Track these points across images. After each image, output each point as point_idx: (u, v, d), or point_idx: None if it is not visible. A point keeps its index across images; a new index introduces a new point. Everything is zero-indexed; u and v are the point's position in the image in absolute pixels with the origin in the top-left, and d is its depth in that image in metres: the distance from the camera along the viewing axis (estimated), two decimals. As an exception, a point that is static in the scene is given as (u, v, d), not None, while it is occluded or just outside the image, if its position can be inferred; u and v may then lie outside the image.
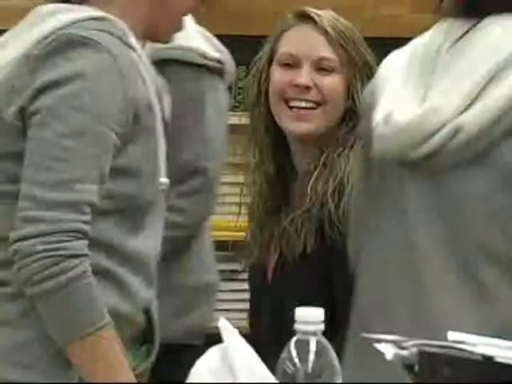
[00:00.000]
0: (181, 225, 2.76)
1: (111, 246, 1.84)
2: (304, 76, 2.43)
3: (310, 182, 2.39)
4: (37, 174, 1.76)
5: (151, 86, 1.90)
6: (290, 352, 1.24)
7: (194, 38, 2.88)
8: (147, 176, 1.87)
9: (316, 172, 2.35)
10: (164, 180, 1.95)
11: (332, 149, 2.39)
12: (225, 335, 1.32)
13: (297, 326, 1.23)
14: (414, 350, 1.27)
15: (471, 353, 1.34)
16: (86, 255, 1.74)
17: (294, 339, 1.24)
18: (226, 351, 1.32)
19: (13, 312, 1.87)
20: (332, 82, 2.47)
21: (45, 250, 1.67)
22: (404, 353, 1.28)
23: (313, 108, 2.45)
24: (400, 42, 2.17)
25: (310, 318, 1.25)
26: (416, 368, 1.31)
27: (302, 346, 1.25)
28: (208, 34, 3.00)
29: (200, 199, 2.78)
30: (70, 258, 1.70)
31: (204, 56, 2.87)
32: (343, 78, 2.48)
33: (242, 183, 2.80)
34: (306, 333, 1.23)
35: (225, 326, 1.34)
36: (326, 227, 2.29)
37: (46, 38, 1.83)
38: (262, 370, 1.36)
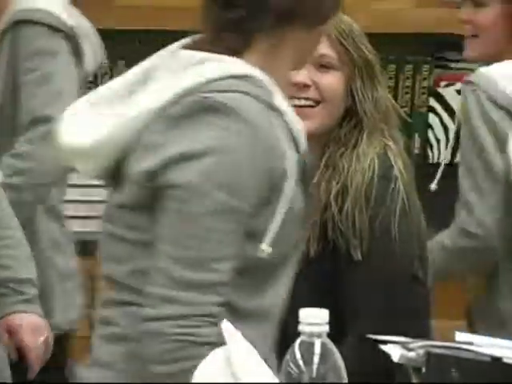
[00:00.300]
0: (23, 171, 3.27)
1: (235, 308, 1.83)
2: (302, 74, 2.46)
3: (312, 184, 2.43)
4: (175, 250, 1.73)
5: (291, 152, 1.80)
6: (294, 354, 1.24)
7: (55, 3, 3.40)
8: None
9: (318, 173, 2.38)
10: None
11: (334, 149, 2.42)
12: (228, 338, 1.33)
13: (301, 328, 1.23)
14: (421, 351, 1.26)
15: (479, 354, 1.33)
16: (214, 343, 1.65)
17: (298, 341, 1.23)
18: (229, 354, 1.34)
19: (117, 353, 1.88)
20: (331, 80, 2.51)
21: (180, 334, 1.68)
22: (411, 354, 1.27)
23: (312, 106, 2.47)
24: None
25: (314, 319, 1.25)
26: (423, 370, 1.30)
27: (307, 348, 1.24)
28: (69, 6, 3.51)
29: (44, 146, 3.07)
30: (200, 345, 1.70)
31: (59, 20, 3.32)
32: (343, 76, 2.51)
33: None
34: (310, 334, 1.23)
35: (227, 328, 1.35)
36: (329, 230, 2.33)
37: (183, 96, 1.74)
38: (265, 373, 1.38)
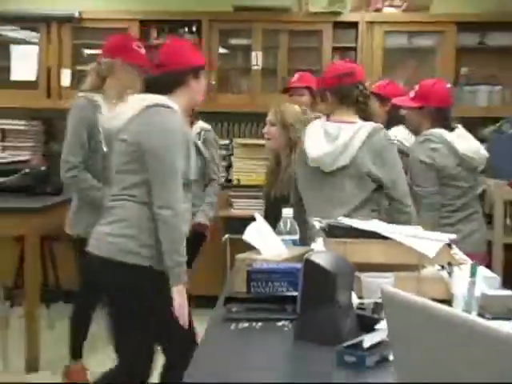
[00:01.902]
0: None
1: None
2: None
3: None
4: None
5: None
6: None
7: None
8: None
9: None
10: None
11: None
12: (258, 218, 2.94)
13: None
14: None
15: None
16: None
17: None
18: (260, 224, 2.91)
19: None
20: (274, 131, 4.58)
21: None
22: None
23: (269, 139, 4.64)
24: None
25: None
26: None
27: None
28: None
29: None
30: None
31: None
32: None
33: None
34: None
35: (257, 216, 2.96)
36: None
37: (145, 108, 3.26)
38: (274, 236, 2.95)
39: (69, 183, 4.40)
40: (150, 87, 3.40)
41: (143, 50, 4.36)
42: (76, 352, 4.87)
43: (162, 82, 3.39)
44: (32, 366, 5.13)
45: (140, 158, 3.23)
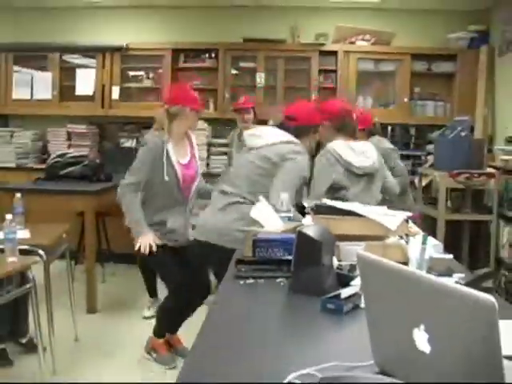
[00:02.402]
0: None
1: None
2: None
3: None
4: None
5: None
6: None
7: None
8: None
9: None
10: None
11: None
12: (261, 200, 2.94)
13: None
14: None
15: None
16: None
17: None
18: (263, 205, 2.91)
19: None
20: None
21: None
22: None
23: None
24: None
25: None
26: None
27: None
28: None
29: None
30: None
31: None
32: None
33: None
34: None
35: (261, 199, 2.96)
36: None
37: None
38: (275, 215, 2.96)
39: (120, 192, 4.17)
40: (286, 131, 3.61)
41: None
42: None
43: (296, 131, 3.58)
44: (91, 308, 5.24)
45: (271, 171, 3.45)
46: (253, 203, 3.19)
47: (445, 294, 1.19)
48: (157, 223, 4.18)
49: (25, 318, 4.21)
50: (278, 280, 2.36)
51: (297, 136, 3.55)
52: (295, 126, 3.58)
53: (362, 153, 3.81)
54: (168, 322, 4.22)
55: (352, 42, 6.96)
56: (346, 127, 3.92)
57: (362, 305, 1.86)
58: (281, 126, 3.63)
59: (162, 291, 4.73)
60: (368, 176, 3.84)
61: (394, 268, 1.35)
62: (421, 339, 1.26)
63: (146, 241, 4.02)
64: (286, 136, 3.55)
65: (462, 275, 2.32)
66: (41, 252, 3.83)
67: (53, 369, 3.86)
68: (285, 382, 1.38)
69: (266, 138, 3.56)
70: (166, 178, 4.07)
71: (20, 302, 4.03)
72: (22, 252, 3.58)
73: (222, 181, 3.91)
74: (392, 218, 2.59)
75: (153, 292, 5.31)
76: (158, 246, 4.04)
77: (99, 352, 4.35)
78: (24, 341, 4.26)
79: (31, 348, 4.11)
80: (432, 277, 1.27)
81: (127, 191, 4.08)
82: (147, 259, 4.17)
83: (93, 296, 5.27)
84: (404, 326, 1.31)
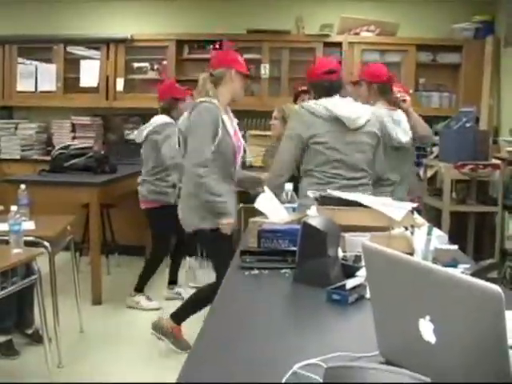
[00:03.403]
0: None
1: None
2: None
3: None
4: None
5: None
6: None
7: None
8: None
9: None
10: None
11: None
12: (266, 190, 2.92)
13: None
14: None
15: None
16: None
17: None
18: (267, 196, 2.90)
19: None
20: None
21: None
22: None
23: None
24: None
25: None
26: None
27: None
28: None
29: None
30: None
31: None
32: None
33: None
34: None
35: (266, 189, 2.95)
36: None
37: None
38: (279, 205, 2.94)
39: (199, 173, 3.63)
40: None
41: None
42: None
43: None
44: (96, 300, 5.26)
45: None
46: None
47: (451, 284, 1.18)
48: None
49: (30, 309, 4.23)
50: (283, 271, 2.35)
51: None
52: None
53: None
54: (195, 311, 4.07)
55: (357, 33, 6.92)
56: (389, 93, 4.14)
57: (367, 295, 1.87)
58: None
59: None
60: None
61: (399, 258, 1.35)
62: (427, 329, 1.26)
63: (231, 222, 3.75)
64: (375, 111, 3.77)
65: (467, 266, 2.31)
66: (46, 243, 3.84)
67: (58, 360, 3.88)
68: (290, 372, 1.38)
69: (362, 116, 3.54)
70: (226, 149, 3.76)
71: (25, 294, 4.04)
72: (27, 243, 3.58)
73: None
74: (397, 209, 2.57)
75: (174, 280, 5.40)
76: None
77: (104, 343, 4.38)
78: (30, 332, 4.28)
79: (37, 339, 4.14)
80: (438, 267, 1.26)
81: (206, 171, 3.62)
82: (207, 246, 4.15)
83: (98, 287, 5.28)
84: (410, 317, 1.30)
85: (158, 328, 4.16)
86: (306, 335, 1.70)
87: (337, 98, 3.49)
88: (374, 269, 1.47)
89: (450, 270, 1.23)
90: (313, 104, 3.47)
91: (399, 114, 4.17)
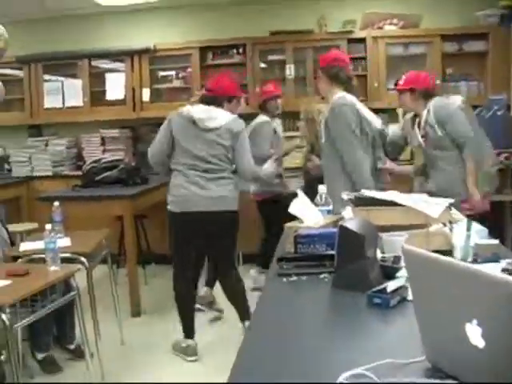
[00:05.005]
0: None
1: None
2: None
3: None
4: None
5: None
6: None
7: None
8: None
9: None
10: None
11: None
12: (299, 195, 2.90)
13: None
14: None
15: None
16: None
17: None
18: (302, 199, 2.87)
19: None
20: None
21: None
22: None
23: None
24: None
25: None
26: None
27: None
28: None
29: None
30: None
31: None
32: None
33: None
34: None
35: (300, 193, 2.92)
36: None
37: None
38: (314, 208, 2.89)
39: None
40: None
41: None
42: None
43: None
44: (135, 311, 5.28)
45: None
46: None
47: (498, 287, 1.14)
48: None
49: (71, 324, 4.27)
50: (322, 276, 2.33)
51: None
52: None
53: None
54: None
55: (380, 28, 6.86)
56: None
57: (410, 297, 1.83)
58: None
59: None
60: None
61: (441, 261, 1.31)
62: (474, 334, 1.22)
63: None
64: None
65: (510, 260, 2.25)
66: (83, 259, 3.86)
67: (101, 373, 3.89)
68: (337, 382, 1.35)
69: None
70: None
71: (65, 309, 4.06)
72: (64, 260, 3.59)
73: None
74: (434, 206, 2.53)
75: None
76: None
77: (145, 354, 4.39)
78: (72, 347, 4.32)
79: (79, 354, 4.17)
80: (483, 269, 1.22)
81: None
82: None
83: (136, 299, 5.30)
84: (455, 321, 1.27)
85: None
86: (348, 342, 1.67)
87: None
88: (416, 273, 1.43)
89: (491, 266, 1.19)
90: None
91: None
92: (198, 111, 4.08)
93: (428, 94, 4.31)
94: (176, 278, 4.29)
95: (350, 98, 3.92)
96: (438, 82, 6.65)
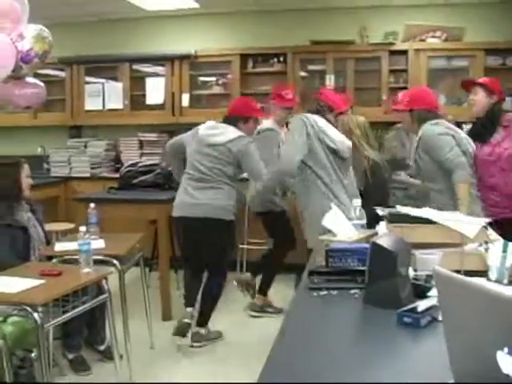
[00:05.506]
0: None
1: None
2: None
3: None
4: None
5: None
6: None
7: None
8: None
9: None
10: None
11: None
12: (333, 208, 2.88)
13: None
14: None
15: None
16: None
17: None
18: (336, 212, 2.86)
19: None
20: None
21: None
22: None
23: None
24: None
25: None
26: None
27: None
28: None
29: None
30: None
31: None
32: None
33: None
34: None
35: (333, 206, 2.90)
36: None
37: None
38: (347, 222, 2.89)
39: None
40: None
41: None
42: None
43: None
44: (166, 315, 5.29)
45: None
46: None
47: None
48: None
49: (102, 326, 4.31)
50: (352, 291, 2.30)
51: None
52: None
53: None
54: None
55: (422, 40, 6.80)
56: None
57: (440, 318, 1.79)
58: None
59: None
60: None
61: (474, 286, 1.28)
62: (505, 362, 1.19)
63: None
64: None
65: (547, 284, 2.20)
66: (115, 262, 3.89)
67: (129, 376, 3.91)
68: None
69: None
70: None
71: (97, 311, 4.11)
72: (97, 262, 3.62)
73: None
74: (470, 225, 2.49)
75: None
76: None
77: (175, 359, 4.40)
78: (102, 348, 4.36)
79: (109, 356, 4.18)
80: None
81: None
82: None
83: (167, 303, 5.31)
84: (486, 348, 1.24)
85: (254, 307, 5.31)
86: (377, 361, 1.65)
87: None
88: (447, 296, 1.40)
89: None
90: None
91: None
92: (205, 127, 4.56)
93: (425, 117, 4.06)
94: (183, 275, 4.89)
95: None
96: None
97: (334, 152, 3.87)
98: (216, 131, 4.53)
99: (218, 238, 4.54)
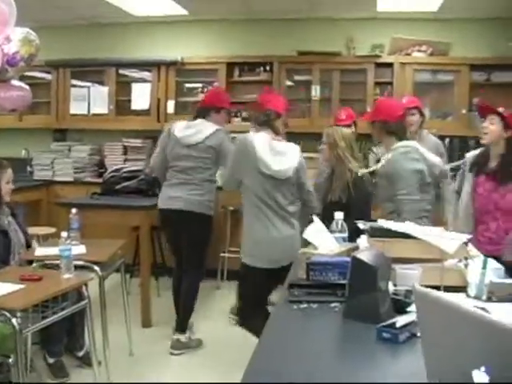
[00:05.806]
0: None
1: None
2: None
3: None
4: None
5: None
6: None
7: None
8: None
9: None
10: None
11: None
12: (315, 220, 2.88)
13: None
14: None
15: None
16: None
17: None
18: (317, 226, 2.85)
19: None
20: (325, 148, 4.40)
21: None
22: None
23: None
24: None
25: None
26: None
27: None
28: None
29: None
30: None
31: None
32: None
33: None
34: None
35: (316, 219, 2.90)
36: None
37: None
38: (328, 235, 2.87)
39: None
40: None
41: None
42: None
43: None
44: (146, 322, 5.26)
45: None
46: None
47: (509, 337, 1.13)
48: None
49: (81, 332, 4.29)
50: (333, 305, 2.31)
51: None
52: None
53: None
54: None
55: (408, 54, 6.86)
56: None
57: (419, 333, 1.81)
58: None
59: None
60: None
61: (452, 305, 1.30)
62: (482, 380, 1.20)
63: None
64: None
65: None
66: (96, 268, 3.87)
67: (107, 382, 3.88)
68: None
69: None
70: None
71: (77, 317, 4.08)
72: (78, 267, 3.60)
73: None
74: (450, 241, 2.51)
75: None
76: None
77: (153, 366, 4.37)
78: (80, 354, 4.33)
79: (87, 362, 4.17)
80: (496, 318, 1.20)
81: None
82: None
83: (147, 310, 5.29)
84: (463, 366, 1.25)
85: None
86: (355, 376, 1.66)
87: None
88: (426, 313, 1.42)
89: (507, 308, 1.17)
90: None
91: None
92: (180, 128, 4.66)
93: (388, 129, 4.06)
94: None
95: None
96: (464, 111, 6.60)
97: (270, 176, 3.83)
98: (192, 131, 4.66)
99: (199, 231, 4.68)
